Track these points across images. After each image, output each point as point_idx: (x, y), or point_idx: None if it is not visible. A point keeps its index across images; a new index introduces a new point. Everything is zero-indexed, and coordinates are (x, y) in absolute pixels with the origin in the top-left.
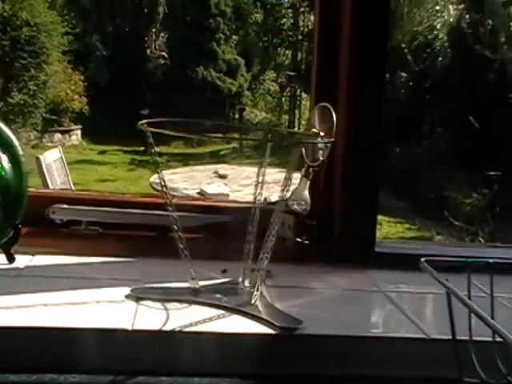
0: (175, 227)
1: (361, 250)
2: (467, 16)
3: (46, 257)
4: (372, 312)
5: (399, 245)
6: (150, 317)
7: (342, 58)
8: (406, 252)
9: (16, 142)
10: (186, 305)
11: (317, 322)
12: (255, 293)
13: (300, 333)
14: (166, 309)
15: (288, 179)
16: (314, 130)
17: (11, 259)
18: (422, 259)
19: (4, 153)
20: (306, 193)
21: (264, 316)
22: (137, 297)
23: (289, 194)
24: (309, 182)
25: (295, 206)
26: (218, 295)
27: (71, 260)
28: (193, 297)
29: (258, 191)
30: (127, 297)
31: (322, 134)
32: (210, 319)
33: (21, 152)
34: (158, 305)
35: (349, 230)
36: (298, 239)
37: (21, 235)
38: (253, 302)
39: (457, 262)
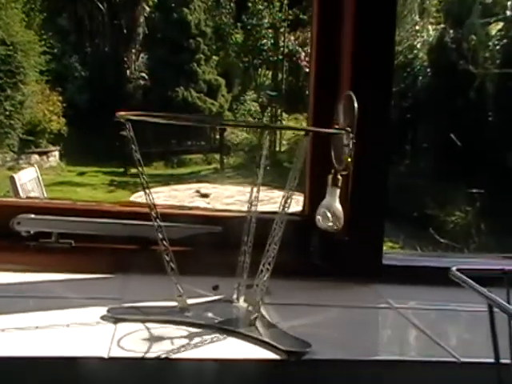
0: (160, 237)
1: (367, 262)
2: (451, 31)
3: (10, 274)
4: (388, 332)
5: (408, 257)
6: (130, 342)
7: (343, 67)
8: (416, 264)
9: None
10: (172, 326)
11: (327, 345)
12: (255, 312)
13: (309, 357)
14: (149, 332)
15: (293, 179)
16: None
17: None
18: (454, 268)
19: None
20: (338, 205)
21: (266, 338)
22: (115, 318)
23: (291, 200)
24: (339, 191)
25: (325, 222)
26: (211, 315)
27: (39, 277)
28: (181, 317)
29: (254, 195)
30: (103, 318)
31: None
32: (202, 343)
33: None
34: (140, 327)
35: (354, 241)
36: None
37: None
38: (252, 322)
39: (493, 270)
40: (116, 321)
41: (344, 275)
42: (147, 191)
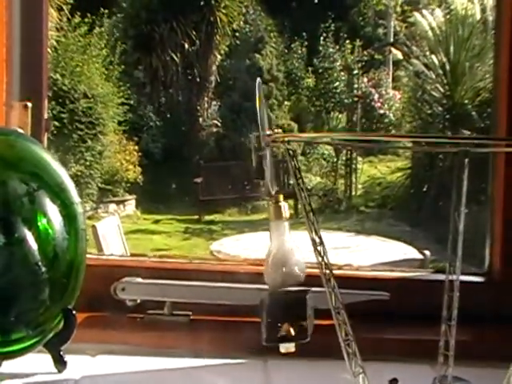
0: (335, 307)
1: None
2: None
3: (112, 358)
4: None
5: None
6: None
7: None
8: None
9: (70, 185)
10: None
11: None
12: None
13: None
14: None
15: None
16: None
17: (61, 364)
18: None
19: (54, 201)
20: (295, 247)
21: None
22: None
23: None
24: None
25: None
26: None
27: (150, 363)
28: None
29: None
30: None
31: None
32: None
33: (77, 199)
34: None
35: None
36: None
37: (76, 326)
38: None
39: None
40: None
41: None
42: (316, 238)
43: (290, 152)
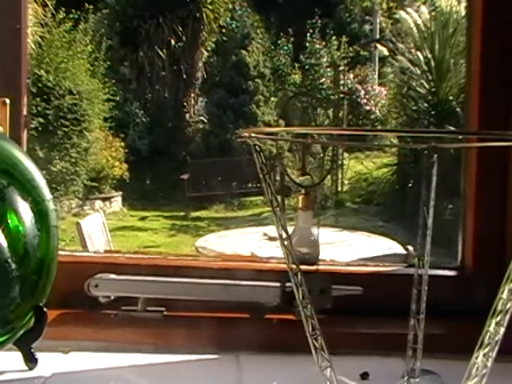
0: (302, 302)
1: None
2: None
3: (85, 355)
4: None
5: None
6: None
7: None
8: None
9: (41, 182)
10: None
11: None
12: None
13: None
14: None
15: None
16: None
17: (32, 361)
18: None
19: (25, 198)
20: (315, 232)
21: None
22: None
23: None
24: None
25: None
26: None
27: (123, 360)
28: None
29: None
30: None
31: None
32: None
33: (48, 196)
34: None
35: None
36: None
37: (47, 323)
38: None
39: None
40: None
41: None
42: (283, 233)
43: (257, 147)
